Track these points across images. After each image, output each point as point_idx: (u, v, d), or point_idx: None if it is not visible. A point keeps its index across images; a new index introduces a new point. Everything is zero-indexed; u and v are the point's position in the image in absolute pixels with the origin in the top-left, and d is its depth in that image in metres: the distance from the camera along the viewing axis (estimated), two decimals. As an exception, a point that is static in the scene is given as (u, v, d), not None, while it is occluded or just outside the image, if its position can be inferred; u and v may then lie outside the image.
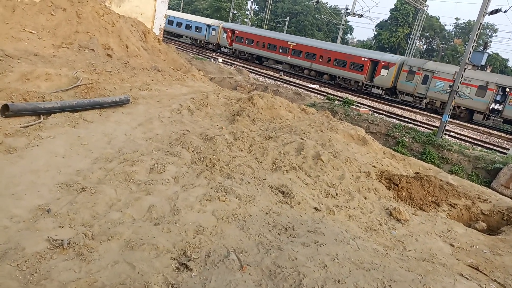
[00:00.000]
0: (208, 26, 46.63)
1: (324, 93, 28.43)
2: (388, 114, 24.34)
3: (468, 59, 17.15)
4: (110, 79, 9.74)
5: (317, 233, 4.92)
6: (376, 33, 71.70)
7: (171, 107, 9.16)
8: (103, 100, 8.00)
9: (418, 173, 8.74)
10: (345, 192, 6.80)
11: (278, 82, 30.89)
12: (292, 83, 31.21)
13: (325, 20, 70.94)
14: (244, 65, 37.56)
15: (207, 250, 4.22)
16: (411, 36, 56.03)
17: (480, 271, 5.14)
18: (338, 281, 3.97)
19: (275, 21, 74.66)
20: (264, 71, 36.33)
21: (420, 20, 51.15)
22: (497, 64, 59.04)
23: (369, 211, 6.52)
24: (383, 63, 31.45)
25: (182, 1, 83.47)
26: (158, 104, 9.24)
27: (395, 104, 29.95)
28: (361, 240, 5.13)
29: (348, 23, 74.05)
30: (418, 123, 23.17)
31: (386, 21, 68.34)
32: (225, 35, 44.27)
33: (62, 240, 3.86)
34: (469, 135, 22.78)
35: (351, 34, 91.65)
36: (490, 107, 27.00)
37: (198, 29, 47.92)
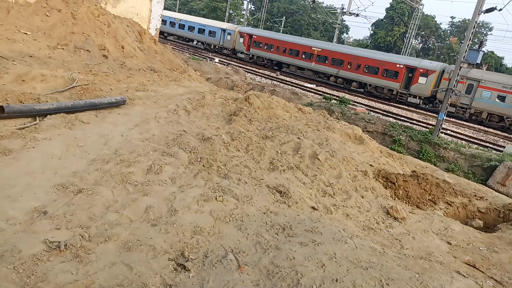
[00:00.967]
0: (223, 30, 44.51)
1: (321, 93, 28.47)
2: (385, 113, 24.43)
3: (464, 57, 17.23)
4: (106, 80, 9.70)
5: (314, 233, 4.92)
6: (372, 32, 71.90)
7: (168, 107, 9.14)
8: (99, 101, 7.97)
9: (415, 171, 8.76)
10: (343, 191, 6.81)
11: (275, 82, 30.92)
12: (288, 83, 31.24)
13: (321, 19, 70.97)
14: (240, 65, 37.54)
15: (204, 251, 4.22)
16: (407, 35, 56.19)
17: (477, 269, 5.16)
18: (336, 280, 3.97)
19: (271, 21, 74.67)
20: (261, 71, 36.29)
21: (416, 19, 51.33)
22: (492, 62, 59.34)
23: (367, 209, 6.54)
24: (421, 70, 29.20)
25: (178, 1, 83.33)
26: (155, 105, 9.22)
27: (391, 103, 30.03)
28: (359, 239, 5.14)
29: (344, 22, 74.16)
30: (414, 122, 23.26)
31: (382, 20, 68.55)
32: (241, 39, 42.01)
33: (59, 242, 3.84)
34: (465, 133, 22.90)
35: (347, 34, 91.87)
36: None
37: (212, 33, 45.72)
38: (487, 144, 20.48)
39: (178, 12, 69.93)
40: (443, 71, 28.83)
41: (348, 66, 33.27)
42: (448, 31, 74.85)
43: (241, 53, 43.26)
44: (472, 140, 21.00)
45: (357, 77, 33.00)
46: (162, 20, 50.58)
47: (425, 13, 66.47)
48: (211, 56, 40.14)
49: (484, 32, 68.71)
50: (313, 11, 76.13)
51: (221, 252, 4.25)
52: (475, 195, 8.22)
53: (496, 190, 11.81)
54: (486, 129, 25.78)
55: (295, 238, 4.74)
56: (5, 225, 3.99)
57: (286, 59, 38.09)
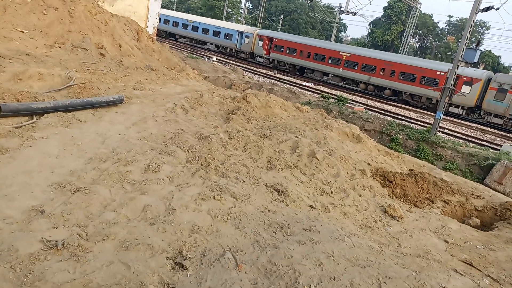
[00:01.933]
0: (240, 33, 42.59)
1: (318, 91, 28.49)
2: (383, 112, 24.47)
3: (461, 56, 17.27)
4: (103, 79, 9.67)
5: (312, 231, 4.93)
6: (369, 31, 71.99)
7: (166, 106, 9.12)
8: (96, 99, 7.95)
9: (412, 170, 8.79)
10: (340, 190, 6.82)
11: (273, 81, 30.91)
12: (286, 82, 31.24)
13: (319, 18, 71.02)
14: (238, 64, 37.48)
15: (202, 249, 4.22)
16: (404, 34, 56.35)
17: (474, 267, 5.19)
18: (334, 279, 3.98)
19: (269, 19, 74.62)
20: (259, 70, 36.23)
21: (413, 17, 51.46)
22: (489, 61, 59.56)
23: (364, 208, 6.55)
24: (464, 79, 26.99)
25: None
26: (152, 104, 9.20)
27: (390, 102, 30.06)
28: (356, 237, 5.15)
29: (341, 21, 74.26)
30: (412, 121, 23.32)
31: (379, 19, 68.61)
32: (260, 43, 39.92)
33: (56, 241, 3.83)
34: (463, 132, 22.98)
35: (345, 32, 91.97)
36: None
37: (228, 36, 43.74)
38: (484, 143, 20.56)
39: (175, 10, 69.75)
40: (489, 79, 27.11)
41: (381, 73, 31.34)
42: (446, 30, 75.02)
43: (260, 57, 41.19)
44: (469, 138, 21.07)
45: (390, 84, 30.84)
46: (173, 22, 49.84)
47: (423, 12, 66.66)
48: (209, 55, 40.01)
49: (482, 31, 68.90)
50: (311, 10, 76.16)
51: (219, 250, 4.25)
52: (472, 194, 8.25)
53: (493, 189, 11.86)
54: (483, 128, 25.85)
55: (293, 237, 4.74)
56: (2, 224, 3.98)
57: (311, 64, 36.01)
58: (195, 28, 47.55)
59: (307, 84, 31.88)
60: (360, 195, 6.98)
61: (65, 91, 8.26)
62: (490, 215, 7.55)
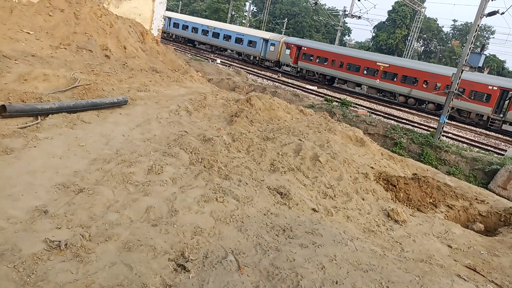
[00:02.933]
0: (265, 40, 40.64)
1: (322, 95, 28.48)
2: (386, 116, 24.41)
3: (466, 60, 17.22)
4: (108, 80, 9.72)
5: (315, 234, 4.92)
6: (374, 34, 71.95)
7: (169, 108, 9.15)
8: (101, 101, 7.98)
9: (416, 174, 8.75)
10: (343, 193, 6.81)
11: (276, 83, 30.95)
12: (290, 85, 31.26)
13: (323, 21, 71.12)
14: (242, 66, 37.56)
15: (205, 251, 4.22)
16: (408, 38, 56.23)
17: (478, 272, 5.15)
18: (336, 282, 3.97)
19: (273, 23, 74.80)
20: (262, 72, 36.27)
21: (418, 21, 51.39)
22: (494, 66, 59.34)
23: (367, 212, 6.53)
24: None
25: (181, 2, 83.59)
26: (156, 105, 9.23)
27: (393, 106, 29.98)
28: (359, 241, 5.13)
29: (346, 24, 74.24)
30: (416, 125, 23.25)
31: (384, 22, 68.60)
32: (287, 51, 38.21)
33: (59, 241, 3.84)
34: (467, 136, 22.87)
35: (349, 36, 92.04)
36: None
37: (251, 43, 41.83)
38: (489, 148, 20.45)
39: (180, 13, 70.04)
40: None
41: (424, 85, 29.40)
42: (450, 34, 74.89)
43: (287, 65, 39.29)
44: (473, 143, 20.97)
45: (434, 98, 28.46)
46: (193, 28, 49.14)
47: (427, 16, 66.55)
48: (213, 57, 40.07)
49: (486, 36, 68.73)
50: (315, 13, 76.27)
51: (221, 253, 4.24)
52: (476, 199, 8.20)
53: (497, 194, 11.79)
54: (488, 132, 25.72)
55: (296, 240, 4.73)
56: (5, 224, 4.00)
57: (343, 74, 34.02)
58: (215, 35, 45.69)
59: (310, 87, 31.86)
60: (363, 199, 6.96)
61: (70, 92, 8.31)
62: (494, 220, 7.50)
